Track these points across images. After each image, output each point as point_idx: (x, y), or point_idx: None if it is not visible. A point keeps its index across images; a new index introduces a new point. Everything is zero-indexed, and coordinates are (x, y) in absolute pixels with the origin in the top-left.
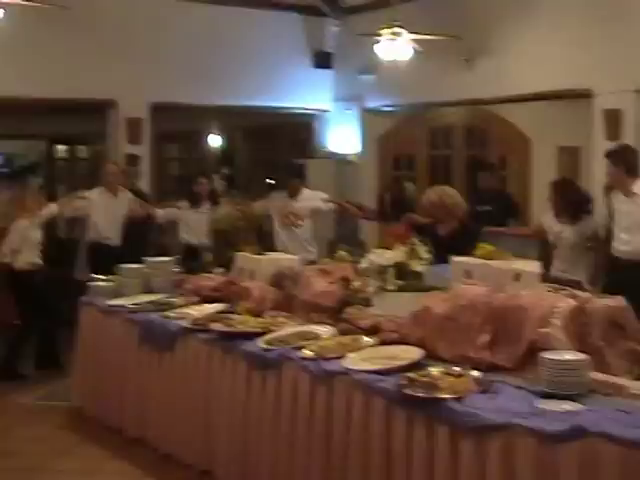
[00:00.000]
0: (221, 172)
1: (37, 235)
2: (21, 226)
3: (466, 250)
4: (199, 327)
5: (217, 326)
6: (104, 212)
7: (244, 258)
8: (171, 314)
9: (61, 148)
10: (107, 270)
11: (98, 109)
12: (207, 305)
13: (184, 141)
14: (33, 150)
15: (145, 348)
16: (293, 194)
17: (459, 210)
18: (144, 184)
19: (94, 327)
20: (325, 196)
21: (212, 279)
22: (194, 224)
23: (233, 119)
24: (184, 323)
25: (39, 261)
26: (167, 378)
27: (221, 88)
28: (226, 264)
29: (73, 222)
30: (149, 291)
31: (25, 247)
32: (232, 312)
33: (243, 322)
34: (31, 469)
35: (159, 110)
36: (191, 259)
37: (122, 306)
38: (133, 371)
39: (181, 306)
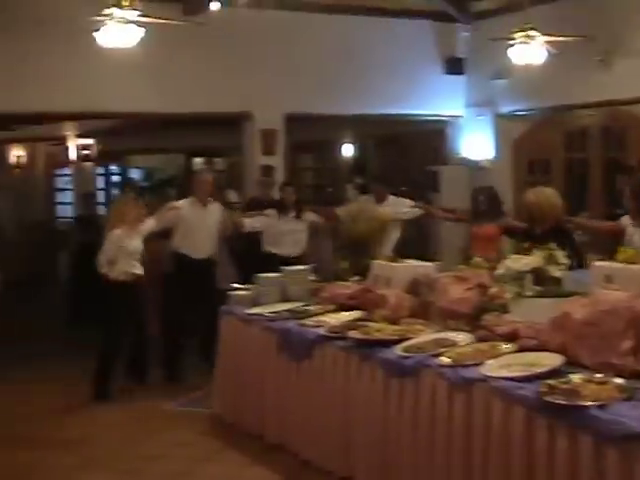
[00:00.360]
0: (354, 181)
1: (135, 245)
2: (115, 236)
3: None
4: (336, 335)
5: (354, 334)
6: (194, 223)
7: (380, 266)
8: (308, 322)
9: (198, 161)
10: (193, 283)
11: (234, 122)
12: (344, 313)
13: (318, 151)
14: (172, 164)
15: (283, 355)
16: (380, 200)
17: (556, 211)
18: (276, 193)
19: (234, 335)
20: (410, 202)
21: (348, 287)
22: (279, 233)
23: (366, 128)
24: (321, 331)
25: (137, 271)
26: (305, 385)
27: (354, 97)
28: (362, 272)
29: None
30: (286, 299)
31: (121, 257)
32: (369, 320)
33: (380, 329)
34: (176, 474)
35: (293, 121)
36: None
37: (260, 314)
38: (272, 378)
39: (318, 314)
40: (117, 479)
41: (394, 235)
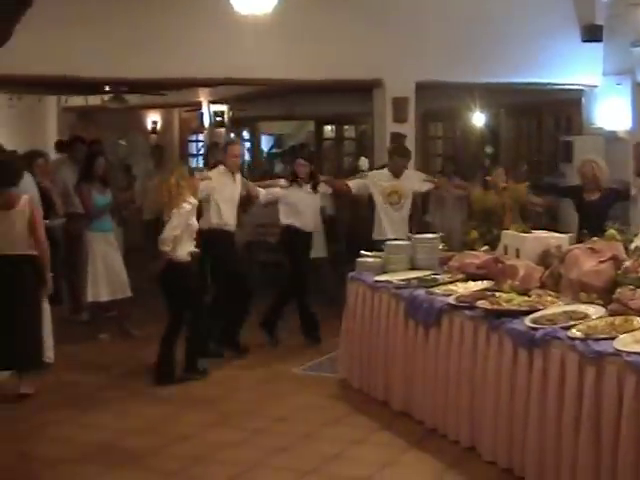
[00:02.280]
0: (485, 151)
1: (195, 223)
2: (185, 212)
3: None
4: (465, 304)
5: (483, 303)
6: (225, 195)
7: (510, 236)
8: (437, 290)
9: (328, 128)
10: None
11: (365, 89)
12: (472, 282)
13: (448, 120)
14: (302, 131)
15: (411, 323)
16: (398, 173)
17: (603, 180)
18: (410, 163)
19: (362, 302)
20: (424, 176)
21: (477, 257)
22: (296, 204)
23: (498, 96)
24: (450, 300)
25: (195, 250)
26: (432, 353)
27: (486, 65)
28: (491, 242)
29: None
30: (415, 267)
31: (186, 235)
32: (497, 290)
33: (509, 300)
34: (304, 435)
35: (424, 89)
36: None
37: (389, 282)
38: (398, 345)
39: (446, 283)
40: (246, 436)
41: (406, 206)
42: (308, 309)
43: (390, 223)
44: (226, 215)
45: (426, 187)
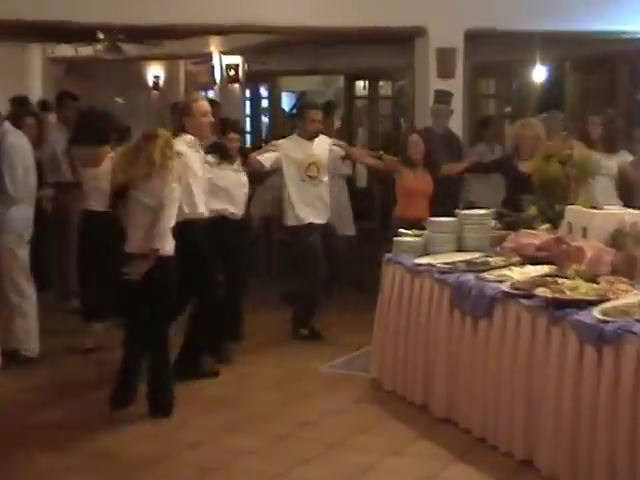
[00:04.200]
0: (547, 111)
1: None
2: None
3: None
4: (521, 292)
5: (543, 291)
6: (196, 171)
7: (575, 212)
8: (488, 276)
9: (361, 85)
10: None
11: (404, 39)
12: (530, 267)
13: (503, 75)
14: (330, 87)
15: (457, 314)
16: (312, 136)
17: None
18: (456, 126)
19: (398, 289)
20: (328, 140)
21: (537, 236)
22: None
23: (561, 47)
24: (503, 287)
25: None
26: (482, 350)
27: (549, 10)
28: (553, 219)
29: None
30: (462, 249)
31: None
32: (560, 276)
33: (574, 288)
34: (331, 444)
35: (474, 38)
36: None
37: (431, 265)
38: (442, 340)
39: (500, 267)
40: (265, 444)
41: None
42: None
43: (308, 203)
44: (200, 202)
45: (336, 155)
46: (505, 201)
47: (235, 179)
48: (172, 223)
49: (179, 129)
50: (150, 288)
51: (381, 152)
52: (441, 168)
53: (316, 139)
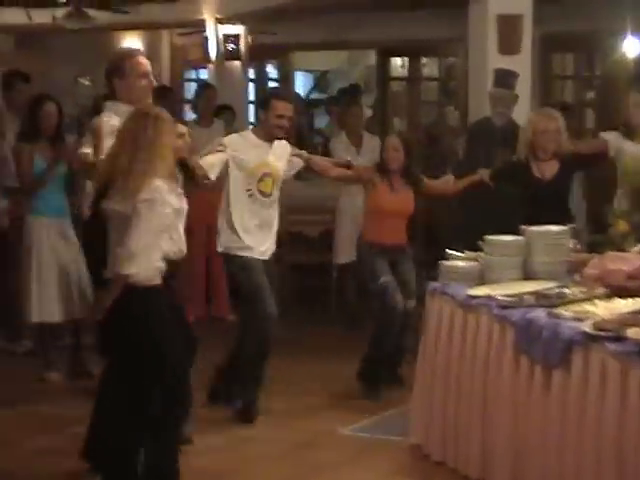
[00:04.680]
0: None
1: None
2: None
3: None
4: (607, 334)
5: (636, 333)
6: None
7: None
8: (565, 312)
9: (398, 62)
10: None
11: (454, 4)
12: (620, 301)
13: (584, 49)
14: (357, 66)
15: (524, 362)
16: (273, 137)
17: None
18: (523, 115)
19: (447, 328)
20: (289, 150)
21: (628, 261)
22: None
23: None
24: (584, 327)
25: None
26: (557, 408)
27: None
28: None
29: None
30: (530, 276)
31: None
32: None
33: None
34: None
35: (547, 2)
36: None
37: (490, 297)
38: (504, 396)
39: (579, 301)
40: None
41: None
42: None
43: (254, 225)
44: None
45: (295, 169)
46: (525, 220)
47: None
48: (145, 240)
49: (108, 95)
50: (118, 334)
51: (348, 159)
52: (425, 185)
53: (276, 142)
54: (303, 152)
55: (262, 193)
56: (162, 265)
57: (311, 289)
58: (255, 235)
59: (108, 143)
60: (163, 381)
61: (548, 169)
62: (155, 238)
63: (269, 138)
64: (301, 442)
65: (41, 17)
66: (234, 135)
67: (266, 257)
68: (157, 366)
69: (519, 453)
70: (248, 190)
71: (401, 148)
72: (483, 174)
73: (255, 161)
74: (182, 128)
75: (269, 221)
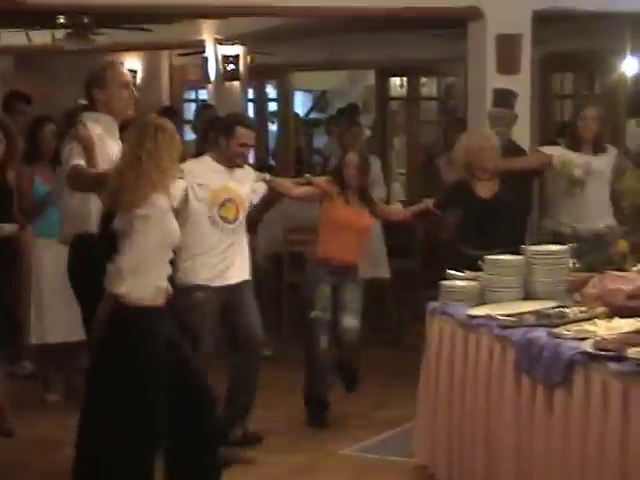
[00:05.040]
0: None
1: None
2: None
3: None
4: (608, 353)
5: (637, 353)
6: None
7: None
8: (565, 332)
9: (397, 82)
10: None
11: (454, 24)
12: (620, 320)
13: (583, 68)
14: (356, 86)
15: (525, 381)
16: (233, 164)
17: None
18: (522, 135)
19: (448, 348)
20: (253, 175)
21: (628, 280)
22: None
23: None
24: (585, 346)
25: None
26: (559, 427)
27: None
28: None
29: None
30: (531, 296)
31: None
32: None
33: None
34: None
35: (546, 22)
36: None
37: (490, 317)
38: (507, 415)
39: (580, 320)
40: None
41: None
42: None
43: (216, 253)
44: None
45: (260, 194)
46: (462, 236)
47: None
48: (138, 257)
49: (87, 107)
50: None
51: (307, 175)
52: (377, 208)
53: (237, 169)
54: (265, 175)
55: (224, 219)
56: (164, 285)
57: None
58: (216, 265)
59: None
60: (140, 413)
61: (489, 187)
62: (154, 256)
63: (230, 165)
64: (302, 464)
65: (41, 38)
66: (191, 161)
67: (232, 281)
68: (137, 397)
69: (523, 472)
70: (210, 217)
71: (360, 166)
72: (427, 203)
73: (215, 187)
74: None
75: (234, 248)
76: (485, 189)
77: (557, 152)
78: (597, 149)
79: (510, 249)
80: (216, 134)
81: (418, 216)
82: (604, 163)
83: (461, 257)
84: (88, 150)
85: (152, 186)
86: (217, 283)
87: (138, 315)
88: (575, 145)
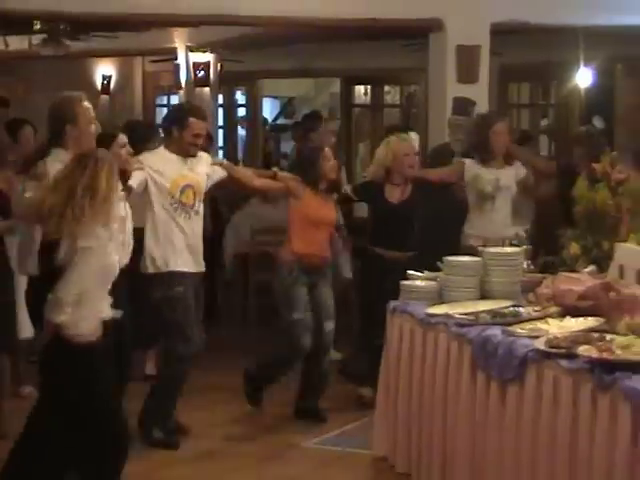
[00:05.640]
0: (590, 124)
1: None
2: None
3: None
4: (560, 351)
5: (587, 350)
6: None
7: (627, 252)
8: (519, 330)
9: (361, 90)
10: None
11: (415, 34)
12: (571, 319)
13: (539, 79)
14: (322, 93)
15: (480, 377)
16: (188, 154)
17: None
18: None
19: (408, 345)
20: (208, 159)
21: (579, 281)
22: None
23: (611, 46)
24: (538, 344)
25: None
26: (512, 421)
27: (594, 0)
28: (599, 260)
29: None
30: (487, 295)
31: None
32: (609, 331)
33: (626, 347)
34: None
35: (504, 34)
36: None
37: (448, 316)
38: (463, 410)
39: (533, 319)
40: None
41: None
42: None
43: (182, 239)
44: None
45: (215, 179)
46: (373, 237)
47: None
48: (82, 285)
49: (53, 141)
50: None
51: (275, 168)
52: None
53: (191, 158)
54: (224, 161)
55: (184, 205)
56: (105, 316)
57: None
58: (182, 250)
59: None
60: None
61: (399, 193)
62: (94, 287)
63: (184, 154)
64: (266, 456)
65: (17, 44)
66: (148, 153)
67: (198, 269)
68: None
69: (477, 464)
70: (172, 204)
71: (332, 157)
72: (346, 188)
73: (173, 175)
74: (123, 138)
75: (197, 232)
76: (395, 194)
77: (468, 166)
78: (506, 162)
79: (423, 253)
80: (169, 125)
81: (341, 202)
82: (511, 177)
83: (374, 257)
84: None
85: (93, 218)
86: (192, 269)
87: (78, 350)
88: (485, 159)
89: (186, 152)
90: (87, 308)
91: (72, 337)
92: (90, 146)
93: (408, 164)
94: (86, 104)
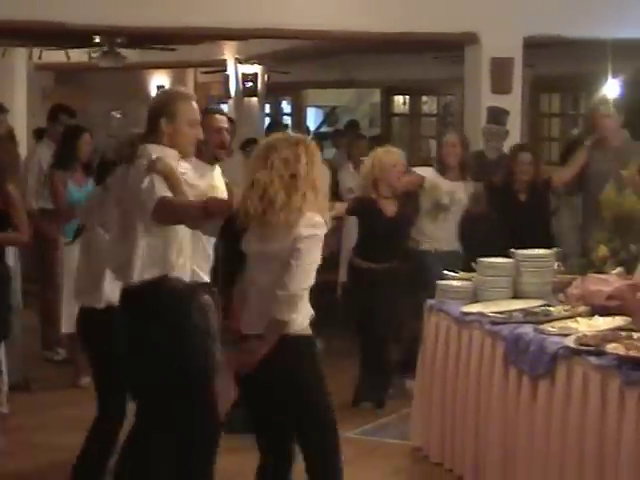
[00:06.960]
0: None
1: None
2: None
3: None
4: (589, 348)
5: (615, 348)
6: None
7: None
8: (550, 328)
9: (400, 100)
10: None
11: (451, 47)
12: (600, 318)
13: (569, 90)
14: (363, 103)
15: (512, 373)
16: (215, 157)
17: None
18: None
19: (443, 342)
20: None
21: (607, 282)
22: None
23: (638, 58)
24: (568, 342)
25: None
26: (542, 415)
27: (621, 15)
28: (627, 262)
29: None
30: (519, 295)
31: None
32: (635, 330)
33: None
34: None
35: (536, 47)
36: None
37: (482, 314)
38: (495, 403)
39: (563, 318)
40: None
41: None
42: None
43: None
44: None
45: None
46: (361, 250)
47: None
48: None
49: (146, 135)
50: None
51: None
52: None
53: (216, 165)
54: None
55: None
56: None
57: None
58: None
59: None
60: None
61: (392, 206)
62: (310, 279)
63: (211, 160)
64: None
65: (78, 56)
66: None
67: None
68: None
69: (508, 456)
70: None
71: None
72: (339, 207)
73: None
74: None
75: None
76: (389, 207)
77: (428, 175)
78: (462, 175)
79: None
80: None
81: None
82: (465, 191)
83: (359, 271)
84: (173, 182)
85: (310, 205)
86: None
87: (304, 342)
88: (442, 170)
89: (213, 154)
90: (304, 302)
91: (295, 334)
92: (188, 150)
93: (397, 174)
94: (192, 103)
